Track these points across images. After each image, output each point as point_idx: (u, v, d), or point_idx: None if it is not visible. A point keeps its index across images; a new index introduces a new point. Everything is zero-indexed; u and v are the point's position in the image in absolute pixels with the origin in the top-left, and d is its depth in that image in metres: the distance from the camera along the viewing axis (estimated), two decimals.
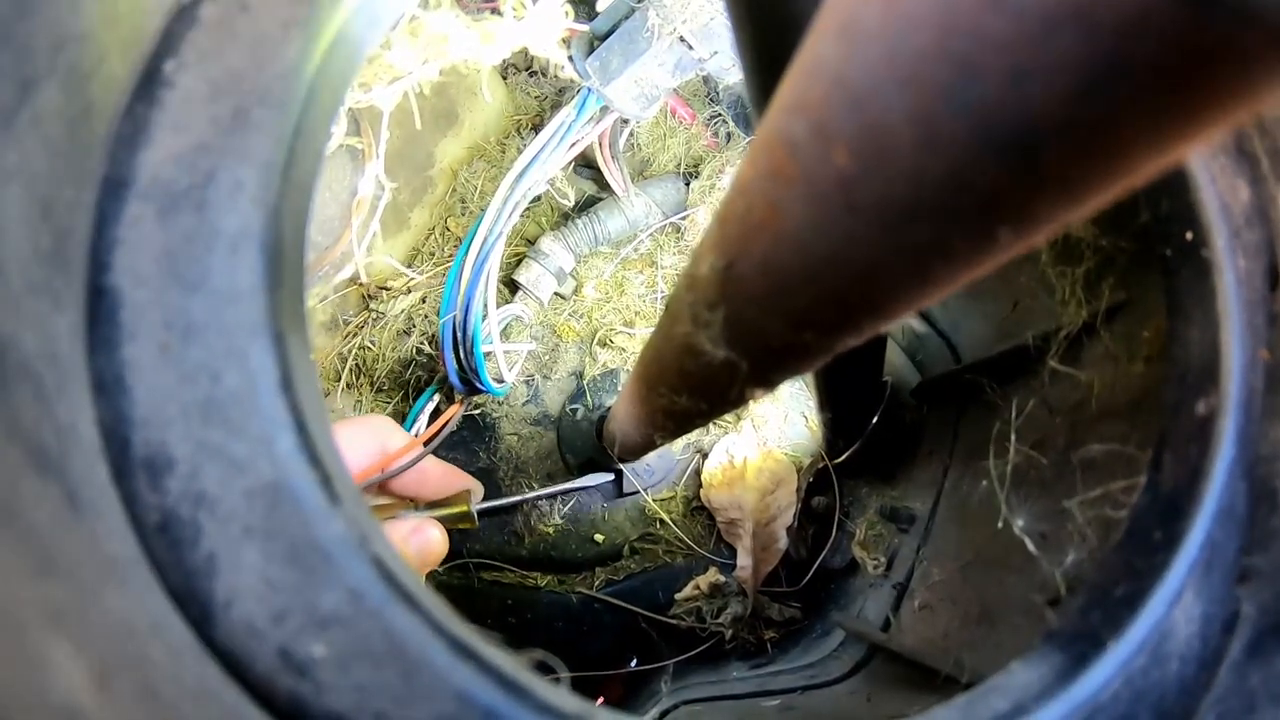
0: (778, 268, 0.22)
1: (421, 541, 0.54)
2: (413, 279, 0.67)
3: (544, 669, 0.58)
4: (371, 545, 0.27)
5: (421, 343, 0.67)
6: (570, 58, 0.55)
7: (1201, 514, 0.34)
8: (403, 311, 0.67)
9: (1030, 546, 0.43)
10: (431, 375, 0.69)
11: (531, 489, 0.67)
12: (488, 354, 0.65)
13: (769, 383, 0.28)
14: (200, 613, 0.27)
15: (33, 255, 0.27)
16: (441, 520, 0.61)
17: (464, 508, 0.61)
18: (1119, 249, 0.45)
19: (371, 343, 0.67)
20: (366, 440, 0.56)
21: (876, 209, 0.17)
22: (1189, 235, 0.38)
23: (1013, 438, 0.48)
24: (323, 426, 0.29)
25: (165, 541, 0.27)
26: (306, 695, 0.26)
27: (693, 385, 0.33)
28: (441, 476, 0.62)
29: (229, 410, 0.27)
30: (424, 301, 0.69)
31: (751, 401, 0.31)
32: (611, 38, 0.58)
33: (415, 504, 0.62)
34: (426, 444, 0.59)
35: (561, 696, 0.27)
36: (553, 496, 0.67)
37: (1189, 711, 0.33)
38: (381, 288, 0.67)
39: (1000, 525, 0.46)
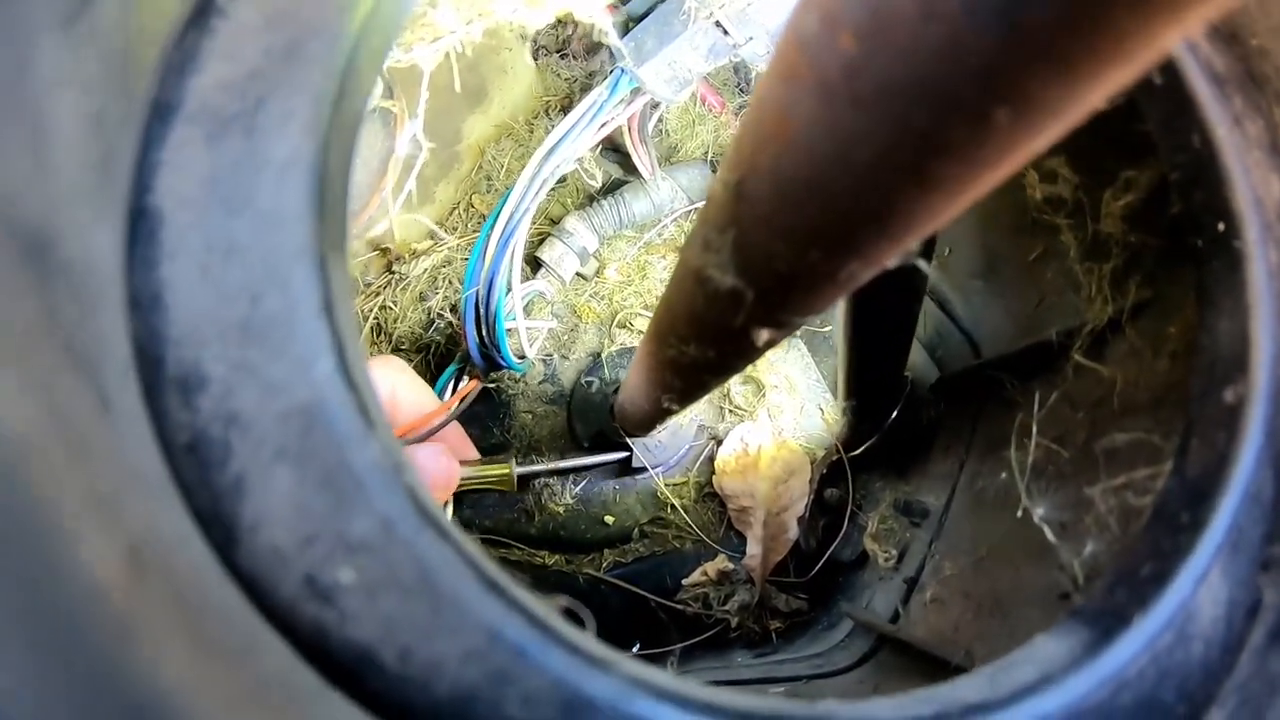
0: (786, 177, 0.22)
1: (439, 469, 0.52)
2: (442, 239, 0.67)
3: (571, 616, 0.57)
4: (404, 474, 0.27)
5: (443, 308, 0.67)
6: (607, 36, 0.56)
7: (1229, 498, 0.34)
8: (425, 271, 0.67)
9: (1049, 535, 0.43)
10: (451, 343, 0.69)
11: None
12: (510, 330, 0.64)
13: (776, 322, 0.28)
14: (224, 536, 0.26)
15: (82, 162, 0.27)
16: (481, 478, 0.60)
17: (505, 469, 0.60)
18: (1147, 245, 0.45)
19: (393, 303, 0.67)
20: (379, 385, 0.56)
21: (877, 97, 0.18)
22: (1221, 226, 0.39)
23: (1034, 430, 0.48)
24: (358, 354, 0.29)
25: (193, 461, 0.27)
26: (330, 623, 0.26)
27: (699, 325, 0.33)
28: (454, 440, 0.61)
29: (268, 331, 0.27)
30: (448, 266, 0.68)
31: (758, 344, 0.31)
32: (647, 19, 0.58)
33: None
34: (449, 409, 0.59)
35: (590, 642, 0.27)
36: (576, 471, 0.67)
37: (1211, 694, 0.33)
38: (408, 251, 0.67)
39: (1019, 516, 0.46)
